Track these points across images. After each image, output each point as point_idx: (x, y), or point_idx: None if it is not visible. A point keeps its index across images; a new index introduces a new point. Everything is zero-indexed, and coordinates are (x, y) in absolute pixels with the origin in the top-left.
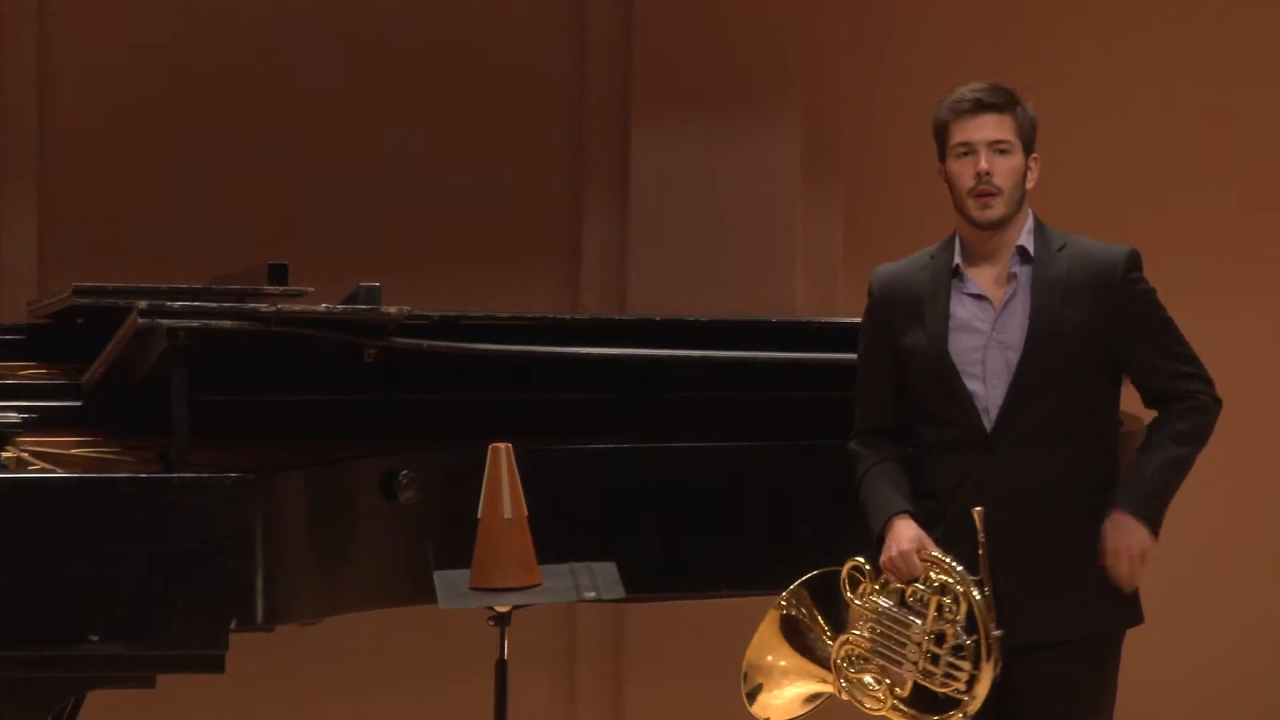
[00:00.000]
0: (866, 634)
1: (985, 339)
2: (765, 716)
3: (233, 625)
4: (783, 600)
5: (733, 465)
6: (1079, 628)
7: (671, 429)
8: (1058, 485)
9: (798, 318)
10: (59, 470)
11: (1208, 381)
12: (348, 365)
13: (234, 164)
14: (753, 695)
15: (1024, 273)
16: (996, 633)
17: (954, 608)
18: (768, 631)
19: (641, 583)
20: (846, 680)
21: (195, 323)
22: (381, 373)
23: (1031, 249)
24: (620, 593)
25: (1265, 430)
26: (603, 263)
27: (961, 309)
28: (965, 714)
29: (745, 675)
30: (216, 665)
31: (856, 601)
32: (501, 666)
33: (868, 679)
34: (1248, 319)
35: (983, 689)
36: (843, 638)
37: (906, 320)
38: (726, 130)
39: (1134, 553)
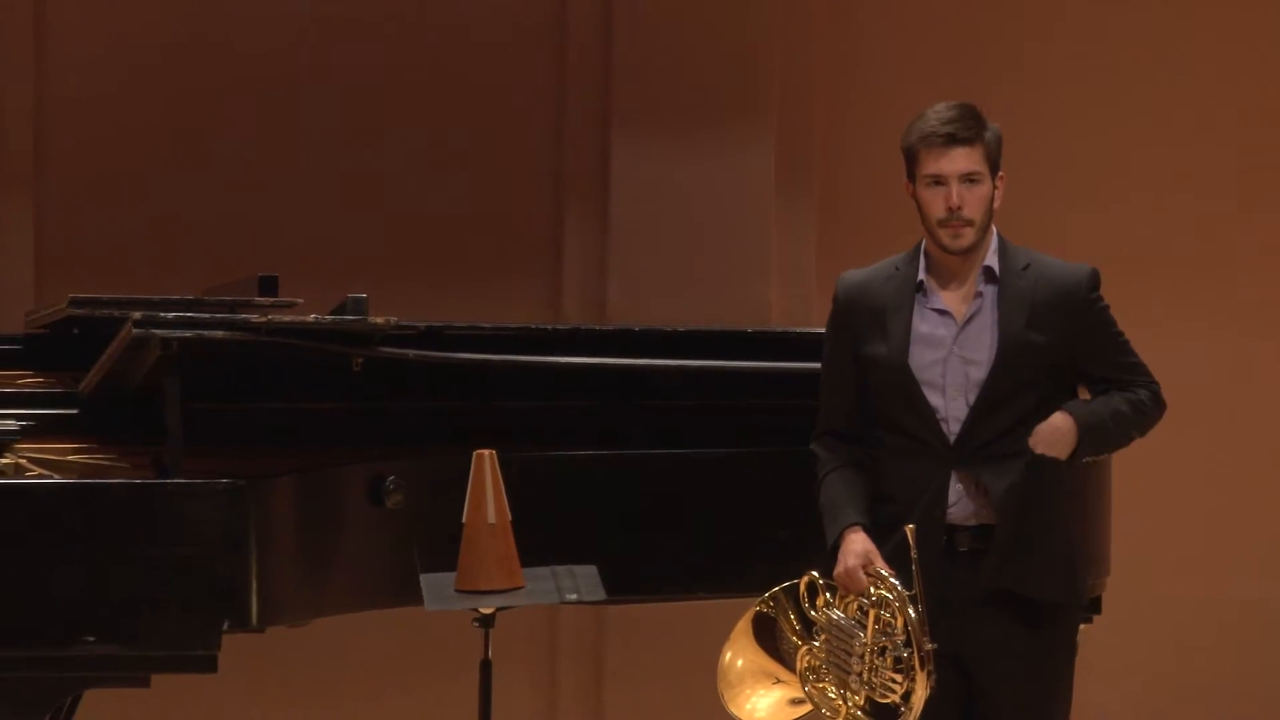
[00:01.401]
0: (822, 645)
1: (946, 353)
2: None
3: (225, 626)
4: (761, 603)
5: (710, 471)
6: (1036, 592)
7: (649, 436)
8: (1017, 493)
9: (773, 328)
10: (56, 476)
11: (1156, 385)
12: (336, 374)
13: (224, 179)
14: (729, 694)
15: (989, 291)
16: (929, 646)
17: (892, 622)
18: (743, 631)
19: (620, 585)
20: (811, 689)
21: (188, 333)
22: (368, 381)
23: (997, 269)
24: (601, 595)
25: (1237, 430)
26: (583, 273)
27: (924, 323)
28: None
29: (721, 673)
30: (209, 665)
31: (813, 613)
32: (486, 667)
33: (830, 691)
34: (1212, 325)
35: (918, 700)
36: (804, 648)
37: (869, 329)
38: (703, 144)
39: (1055, 437)
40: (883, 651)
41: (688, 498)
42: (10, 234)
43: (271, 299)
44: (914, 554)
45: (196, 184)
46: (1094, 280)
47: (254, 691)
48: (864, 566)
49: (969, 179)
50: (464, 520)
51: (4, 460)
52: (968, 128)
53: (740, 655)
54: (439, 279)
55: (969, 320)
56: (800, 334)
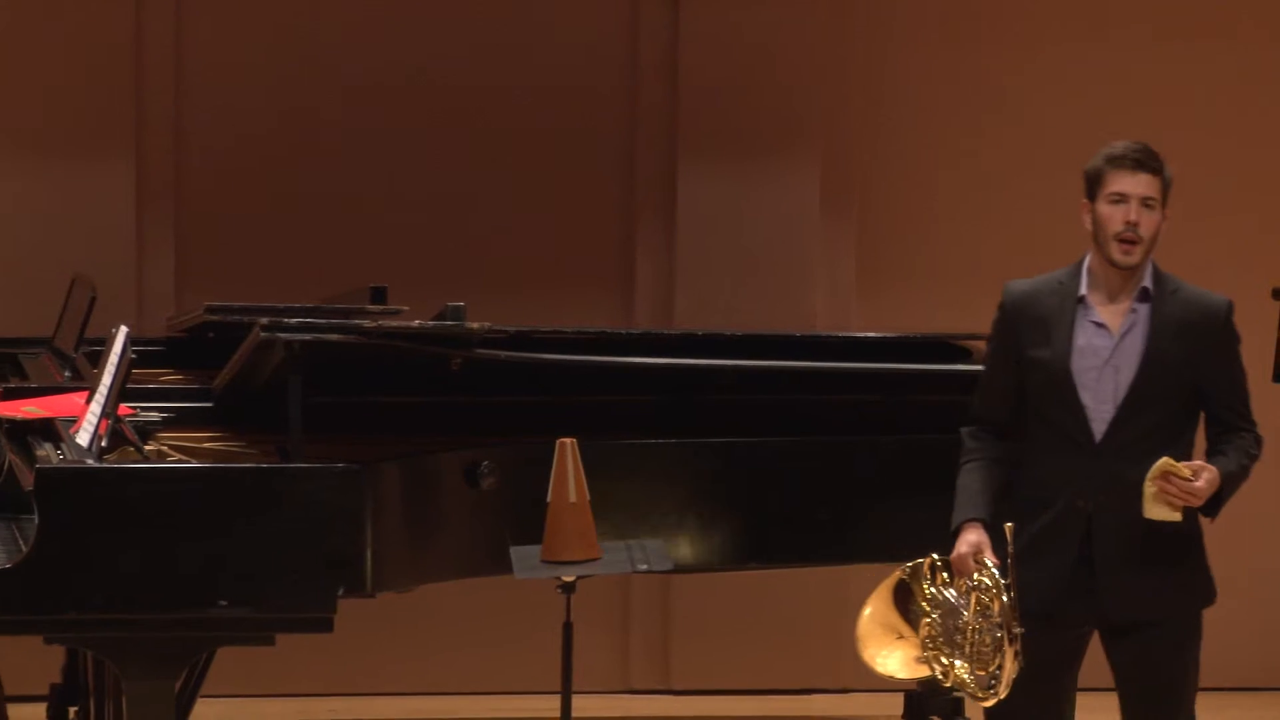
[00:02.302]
0: (938, 618)
1: (1102, 362)
2: (884, 671)
3: (340, 592)
4: (903, 570)
5: (762, 457)
6: (1166, 609)
7: (710, 427)
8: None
9: (818, 333)
10: (193, 461)
11: (1258, 433)
12: (437, 372)
13: (342, 203)
14: (863, 643)
15: (1142, 309)
16: (1018, 630)
17: (990, 606)
18: (884, 590)
19: (685, 556)
20: (929, 654)
21: (308, 336)
22: (465, 379)
23: (1152, 290)
24: (668, 565)
25: None
26: (653, 284)
27: (1083, 334)
28: (996, 694)
29: (860, 623)
30: (326, 626)
31: (930, 590)
32: (568, 628)
33: (942, 657)
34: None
35: (1007, 674)
36: (925, 619)
37: (1033, 334)
38: (757, 172)
39: (1204, 490)
40: (981, 630)
41: (742, 481)
42: (154, 249)
43: (381, 307)
44: (1010, 549)
45: (318, 206)
46: (1231, 311)
47: (364, 649)
48: (974, 555)
49: (1147, 203)
50: (548, 500)
51: (148, 447)
52: (1153, 159)
53: (877, 611)
54: (527, 290)
55: (1124, 334)
56: (841, 338)
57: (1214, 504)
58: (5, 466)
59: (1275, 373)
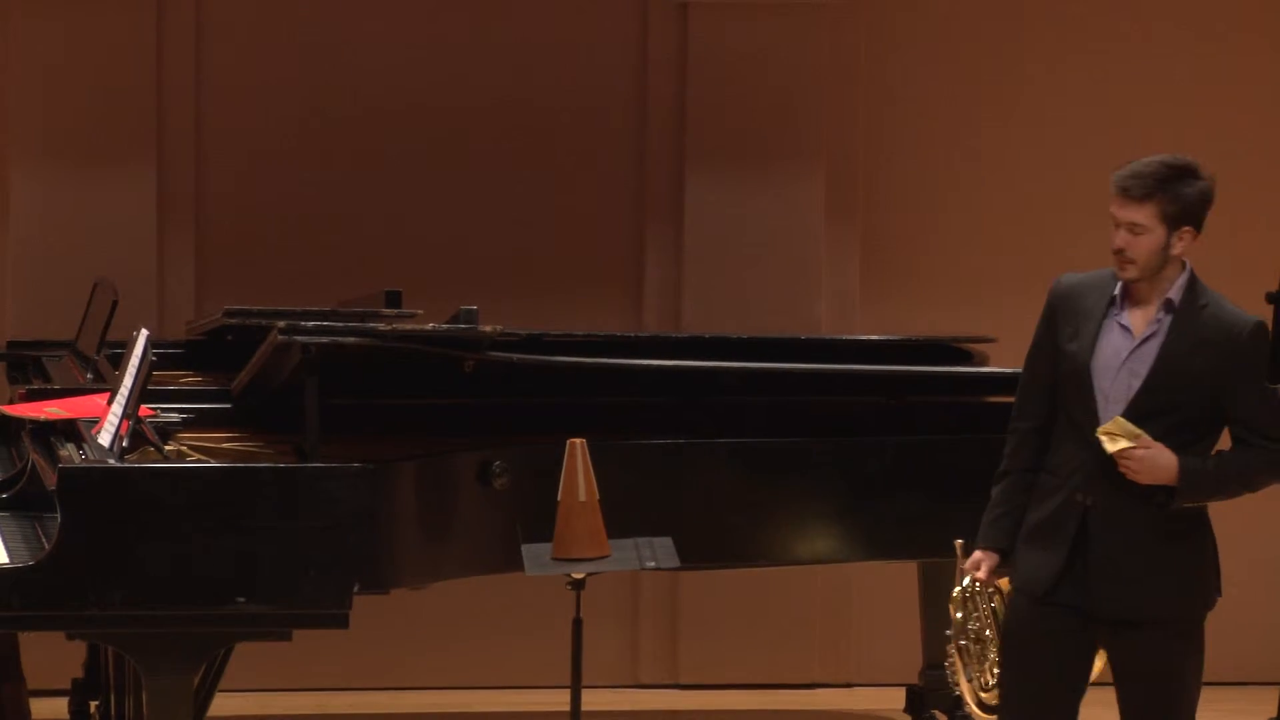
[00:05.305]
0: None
1: (1120, 363)
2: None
3: (355, 589)
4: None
5: (768, 457)
6: (1157, 610)
7: (716, 427)
8: (1155, 488)
9: (821, 335)
10: (212, 461)
11: (1278, 448)
12: (450, 374)
13: (358, 210)
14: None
15: (1166, 319)
16: (953, 646)
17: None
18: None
19: (692, 553)
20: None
21: (325, 339)
22: (478, 381)
23: (1178, 301)
24: (675, 562)
25: None
26: (661, 289)
27: (1108, 333)
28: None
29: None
30: (342, 622)
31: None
32: (577, 624)
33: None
34: None
35: (962, 683)
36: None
37: (1068, 325)
38: (762, 180)
39: (1147, 466)
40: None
41: (748, 480)
42: (174, 255)
43: (395, 310)
44: (960, 564)
45: (333, 214)
46: (1259, 330)
47: (379, 645)
48: (973, 571)
49: (1133, 229)
50: (559, 498)
51: (169, 447)
52: (1142, 187)
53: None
54: (538, 294)
55: (1144, 340)
56: (845, 340)
57: (1173, 493)
58: (29, 466)
59: (1271, 374)
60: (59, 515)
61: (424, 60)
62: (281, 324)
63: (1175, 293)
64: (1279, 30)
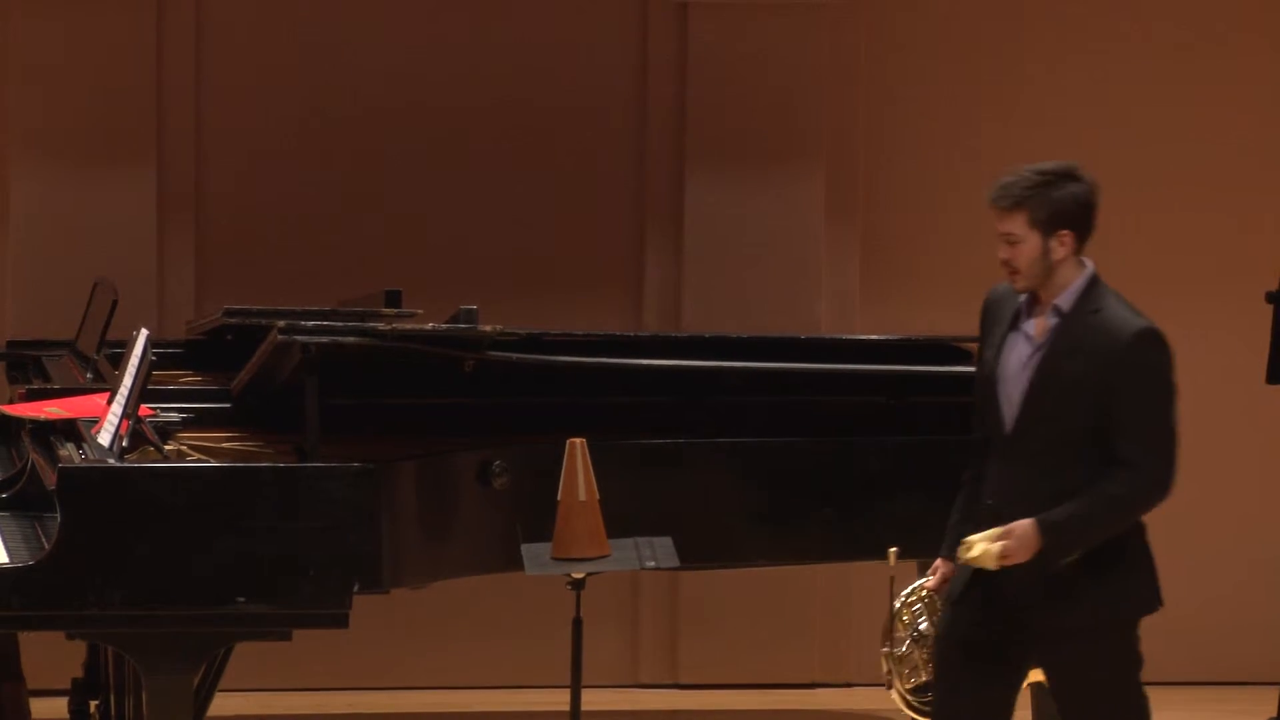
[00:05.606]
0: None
1: (1018, 371)
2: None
3: (355, 589)
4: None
5: (769, 456)
6: (1077, 618)
7: (716, 427)
8: (1059, 497)
9: (820, 335)
10: (212, 461)
11: (1158, 477)
12: (450, 374)
13: (358, 210)
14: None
15: (1056, 325)
16: (884, 648)
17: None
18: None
19: (692, 553)
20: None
21: (325, 339)
22: (478, 380)
23: (1066, 308)
24: (675, 562)
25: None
26: (661, 289)
27: (1014, 341)
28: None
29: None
30: (342, 622)
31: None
32: (577, 624)
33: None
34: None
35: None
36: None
37: (988, 336)
38: (763, 180)
39: (1016, 547)
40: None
41: (748, 480)
42: (174, 255)
43: (395, 310)
44: (891, 571)
45: (333, 213)
46: (1144, 336)
47: (379, 644)
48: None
49: (1007, 239)
50: (559, 498)
51: (168, 447)
52: (1007, 196)
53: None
54: (539, 294)
55: (1039, 348)
56: (845, 340)
57: (1054, 551)
58: (29, 466)
59: (1270, 375)
60: (59, 515)
61: (424, 60)
62: (281, 323)
63: (1066, 299)
64: (1279, 30)
